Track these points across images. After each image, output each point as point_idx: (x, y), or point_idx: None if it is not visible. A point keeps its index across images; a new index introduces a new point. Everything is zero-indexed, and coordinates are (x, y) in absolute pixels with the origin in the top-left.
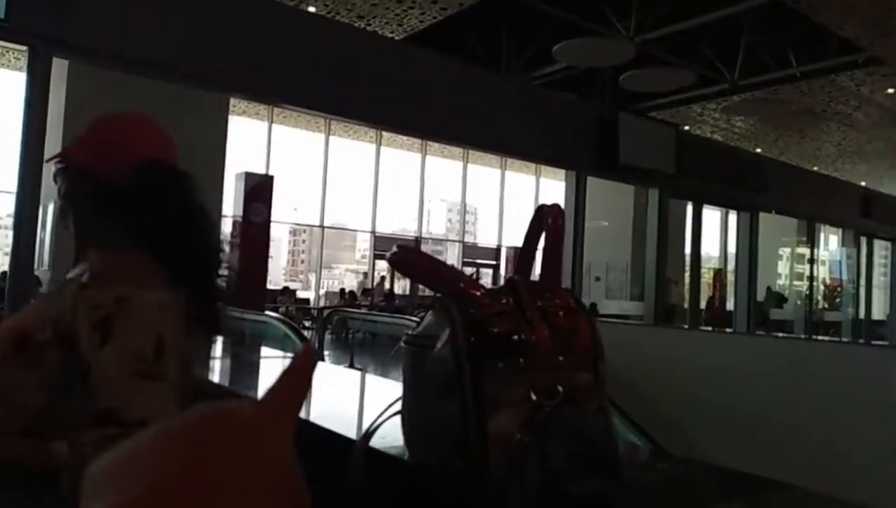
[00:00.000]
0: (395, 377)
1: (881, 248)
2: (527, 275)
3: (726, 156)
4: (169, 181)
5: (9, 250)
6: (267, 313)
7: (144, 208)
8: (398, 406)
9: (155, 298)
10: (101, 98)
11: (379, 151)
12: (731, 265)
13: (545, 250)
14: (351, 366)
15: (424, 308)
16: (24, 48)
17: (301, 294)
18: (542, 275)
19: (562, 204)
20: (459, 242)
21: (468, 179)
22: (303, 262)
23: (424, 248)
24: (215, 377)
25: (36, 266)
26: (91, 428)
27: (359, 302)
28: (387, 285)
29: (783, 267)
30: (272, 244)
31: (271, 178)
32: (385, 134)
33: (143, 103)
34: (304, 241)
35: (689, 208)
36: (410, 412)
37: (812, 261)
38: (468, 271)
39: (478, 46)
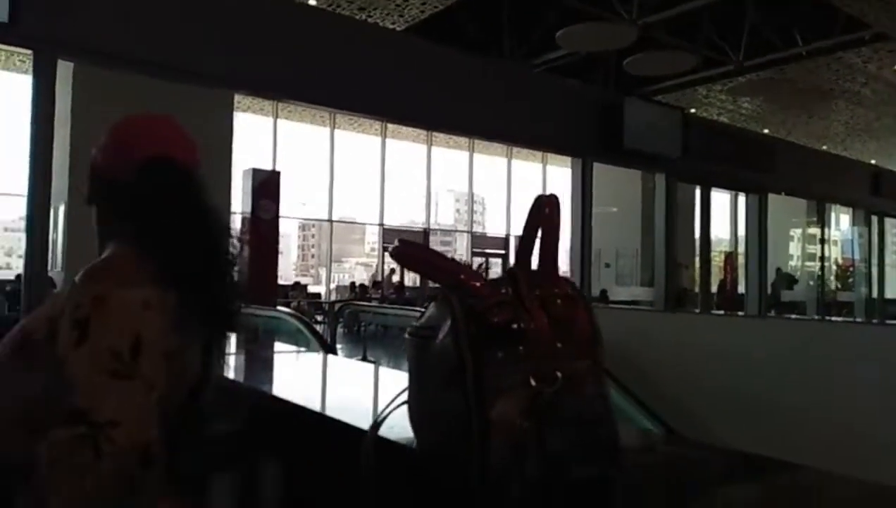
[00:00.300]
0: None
1: (893, 226)
2: (526, 265)
3: (733, 138)
4: (169, 178)
5: (20, 252)
6: (279, 308)
7: (141, 205)
8: (405, 397)
9: (137, 296)
10: (107, 99)
11: (384, 144)
12: (741, 248)
13: (542, 239)
14: (364, 359)
15: (432, 299)
16: (29, 51)
17: (312, 289)
18: (539, 264)
19: (568, 191)
20: (468, 232)
21: (475, 169)
22: (313, 257)
23: (433, 239)
24: (230, 372)
25: (50, 268)
26: (62, 427)
27: (369, 295)
28: (396, 278)
29: (795, 248)
30: (282, 240)
31: (278, 173)
32: (390, 126)
33: (149, 102)
34: (313, 236)
35: (698, 192)
36: (416, 402)
37: (822, 241)
38: (477, 261)
39: (480, 35)
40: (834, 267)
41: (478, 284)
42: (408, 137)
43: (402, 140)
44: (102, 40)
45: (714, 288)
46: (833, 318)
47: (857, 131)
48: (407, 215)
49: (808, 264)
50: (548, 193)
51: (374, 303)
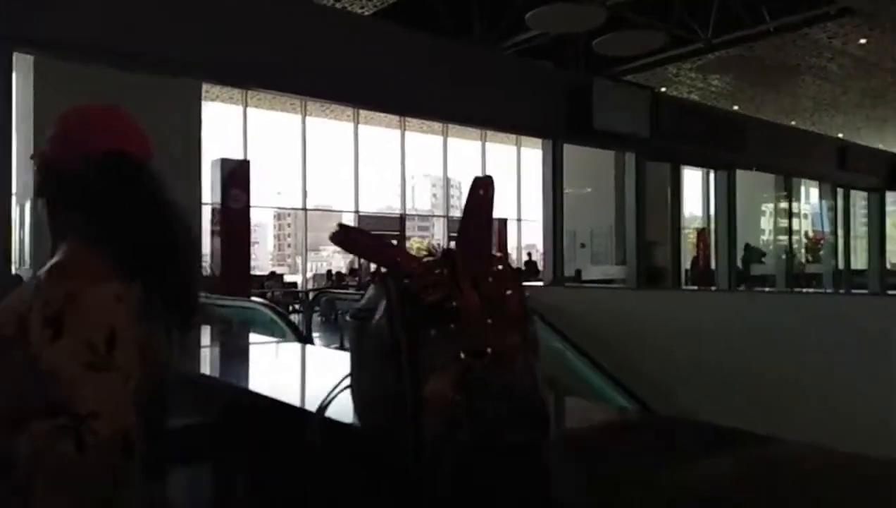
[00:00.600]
0: None
1: (861, 198)
2: (466, 245)
3: (702, 115)
4: (122, 173)
5: None
6: (253, 299)
7: (97, 200)
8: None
9: (108, 290)
10: (70, 91)
11: (357, 130)
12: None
13: (476, 219)
14: (341, 347)
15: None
16: None
17: (289, 278)
18: (474, 244)
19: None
20: (444, 217)
21: (451, 153)
22: (289, 246)
23: (410, 225)
24: (195, 365)
25: (18, 265)
26: (43, 419)
27: (346, 282)
28: (373, 265)
29: (767, 223)
30: (257, 230)
31: (247, 163)
32: (363, 112)
33: (113, 94)
34: (289, 225)
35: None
36: (356, 382)
37: (790, 215)
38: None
39: (449, 18)
40: (805, 240)
41: (415, 265)
42: (381, 122)
43: (376, 126)
44: (61, 32)
45: (688, 265)
46: (801, 290)
47: (825, 106)
48: (384, 202)
49: (781, 238)
50: (484, 174)
51: (350, 291)
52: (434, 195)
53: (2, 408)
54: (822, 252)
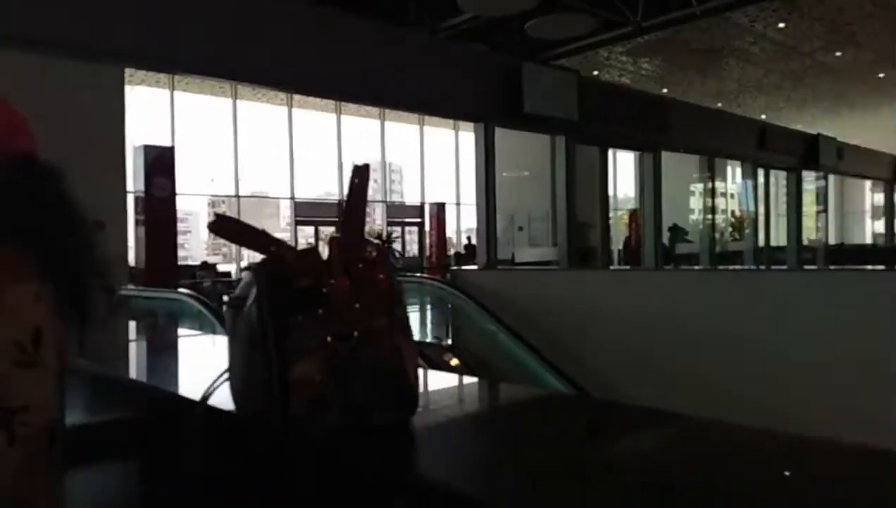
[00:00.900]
0: None
1: (781, 178)
2: (349, 232)
3: (628, 99)
4: (13, 170)
5: None
6: (180, 289)
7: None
8: None
9: (30, 290)
10: None
11: (291, 114)
12: None
13: (350, 206)
14: None
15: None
16: None
17: (223, 267)
18: (346, 230)
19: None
20: (383, 202)
21: (389, 137)
22: None
23: None
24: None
25: None
26: None
27: None
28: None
29: (695, 203)
30: (189, 218)
31: (172, 149)
32: (297, 96)
33: (29, 80)
34: (224, 212)
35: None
36: (232, 369)
37: (713, 195)
38: (391, 230)
39: (384, 1)
40: (731, 219)
41: (288, 253)
42: (316, 106)
43: (310, 109)
44: None
45: (620, 245)
46: (722, 267)
47: (748, 88)
48: (322, 188)
49: (708, 217)
50: (361, 163)
51: None
52: (374, 180)
53: None
54: (747, 230)
